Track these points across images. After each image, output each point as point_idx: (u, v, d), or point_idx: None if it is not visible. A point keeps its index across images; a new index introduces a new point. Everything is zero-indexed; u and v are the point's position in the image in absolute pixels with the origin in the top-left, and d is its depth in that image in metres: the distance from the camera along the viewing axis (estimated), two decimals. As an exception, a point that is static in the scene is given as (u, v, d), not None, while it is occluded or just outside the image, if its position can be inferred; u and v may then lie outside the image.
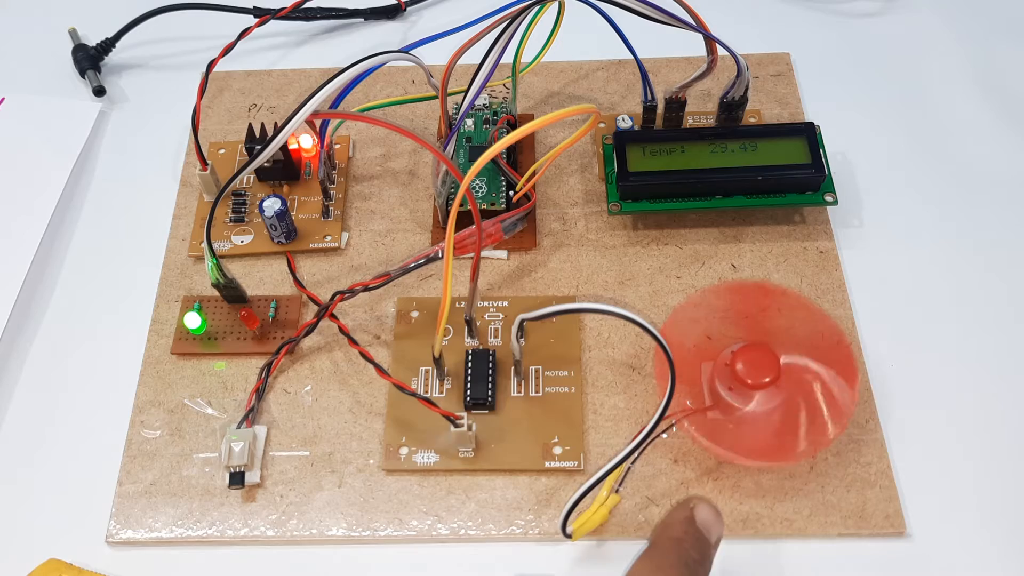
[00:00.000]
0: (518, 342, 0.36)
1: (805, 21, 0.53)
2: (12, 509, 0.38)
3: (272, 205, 0.42)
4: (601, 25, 0.42)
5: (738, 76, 0.43)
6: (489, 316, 0.42)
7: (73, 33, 0.53)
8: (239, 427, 0.38)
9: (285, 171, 0.45)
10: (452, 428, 0.37)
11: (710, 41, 0.41)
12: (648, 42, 0.44)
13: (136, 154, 0.49)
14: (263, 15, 0.49)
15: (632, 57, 0.43)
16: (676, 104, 0.45)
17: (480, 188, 0.44)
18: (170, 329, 0.42)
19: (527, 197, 0.43)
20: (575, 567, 0.36)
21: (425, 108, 0.49)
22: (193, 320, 0.41)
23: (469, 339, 0.41)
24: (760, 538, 0.36)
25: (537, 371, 0.40)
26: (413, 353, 0.41)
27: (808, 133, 0.43)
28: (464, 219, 0.41)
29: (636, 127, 0.46)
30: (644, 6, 0.39)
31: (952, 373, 0.40)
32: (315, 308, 0.42)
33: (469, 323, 0.40)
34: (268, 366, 0.40)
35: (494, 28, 0.39)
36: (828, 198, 0.43)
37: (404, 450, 0.38)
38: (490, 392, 0.39)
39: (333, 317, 0.40)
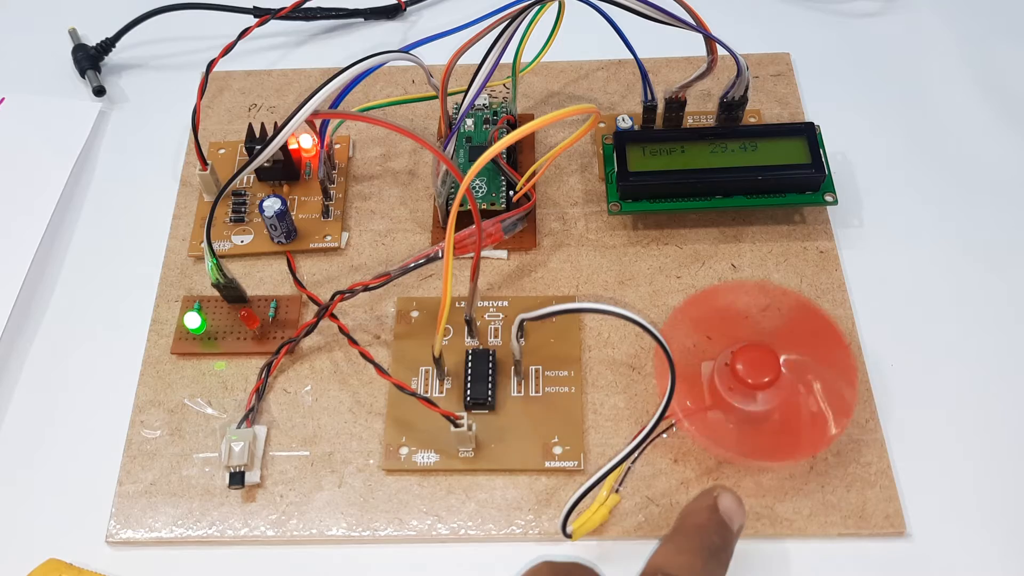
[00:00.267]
0: (518, 342, 0.36)
1: (805, 21, 0.53)
2: (12, 509, 0.38)
3: (272, 205, 0.42)
4: (601, 25, 0.42)
5: (738, 76, 0.43)
6: (489, 316, 0.42)
7: (73, 33, 0.53)
8: (239, 427, 0.38)
9: (285, 171, 0.45)
10: (452, 428, 0.36)
11: (710, 41, 0.41)
12: (648, 42, 0.44)
13: (136, 154, 0.49)
14: (263, 15, 0.49)
15: (632, 57, 0.43)
16: (676, 104, 0.45)
17: (480, 188, 0.44)
18: (170, 329, 0.42)
19: (527, 197, 0.43)
20: (575, 567, 0.36)
21: (425, 108, 0.49)
22: (193, 320, 0.41)
23: (469, 339, 0.41)
24: (760, 538, 0.36)
25: (537, 371, 0.40)
26: (413, 353, 0.41)
27: (808, 133, 0.43)
28: (464, 219, 0.41)
29: (636, 127, 0.46)
30: (644, 6, 0.39)
31: (952, 373, 0.40)
32: (315, 308, 0.42)
33: (469, 323, 0.40)
34: (268, 366, 0.40)
35: (494, 28, 0.39)
36: (828, 198, 0.43)
37: (404, 450, 0.38)
38: (490, 392, 0.39)
39: (333, 317, 0.40)
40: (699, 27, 0.40)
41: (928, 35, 0.52)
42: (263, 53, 0.53)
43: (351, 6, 0.53)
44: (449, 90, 0.41)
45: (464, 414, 0.37)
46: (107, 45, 0.52)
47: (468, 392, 0.39)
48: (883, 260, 0.43)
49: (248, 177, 0.46)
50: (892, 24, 0.52)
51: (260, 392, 0.40)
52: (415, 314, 0.42)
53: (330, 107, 0.39)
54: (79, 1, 0.55)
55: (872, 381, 0.39)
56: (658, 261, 0.43)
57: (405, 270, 0.40)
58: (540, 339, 0.41)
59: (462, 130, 0.46)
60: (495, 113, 0.46)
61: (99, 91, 0.51)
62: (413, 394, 0.37)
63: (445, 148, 0.40)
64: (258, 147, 0.37)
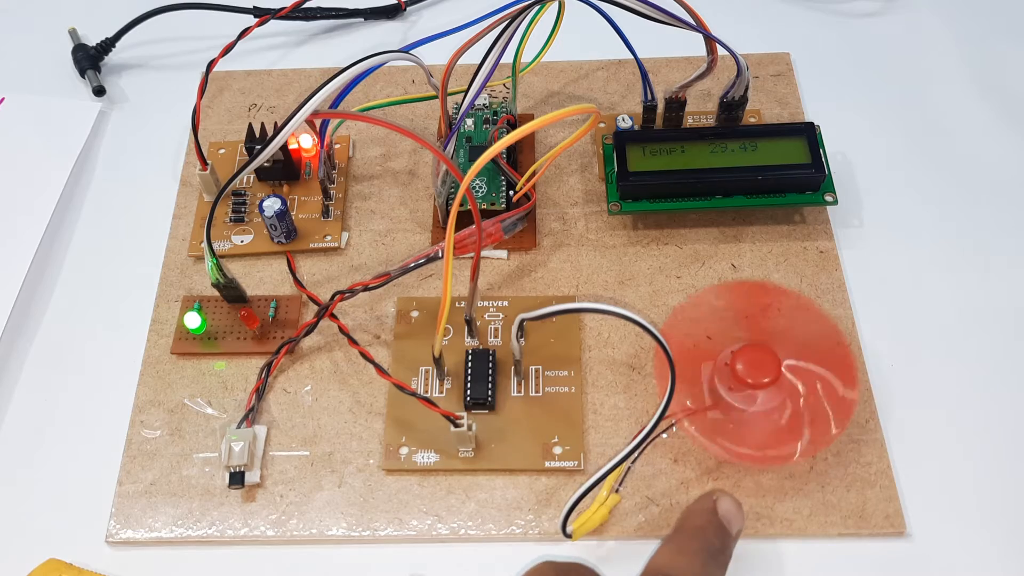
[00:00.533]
0: (518, 342, 0.36)
1: (805, 21, 0.53)
2: (12, 509, 0.38)
3: (272, 205, 0.42)
4: (601, 25, 0.42)
5: (738, 76, 0.43)
6: (489, 316, 0.42)
7: (73, 33, 0.53)
8: (239, 427, 0.38)
9: (285, 171, 0.45)
10: (452, 428, 0.36)
11: (710, 41, 0.41)
12: (648, 42, 0.44)
13: (136, 154, 0.49)
14: (263, 15, 0.49)
15: (632, 57, 0.43)
16: (676, 104, 0.45)
17: (480, 188, 0.44)
18: (170, 329, 0.42)
19: (527, 197, 0.43)
20: (575, 567, 0.36)
21: (425, 108, 0.49)
22: (193, 320, 0.41)
23: (469, 339, 0.41)
24: (760, 538, 0.36)
25: (537, 371, 0.40)
26: (413, 353, 0.41)
27: (808, 133, 0.43)
28: (464, 219, 0.41)
29: (636, 127, 0.46)
30: (644, 6, 0.39)
31: (952, 373, 0.40)
32: (315, 308, 0.42)
33: (469, 323, 0.40)
34: (268, 366, 0.40)
35: (494, 28, 0.39)
36: (828, 198, 0.43)
37: (404, 450, 0.38)
38: (490, 392, 0.39)
39: (333, 317, 0.40)
40: (699, 27, 0.40)
41: (928, 35, 0.52)
42: (263, 53, 0.53)
43: (351, 6, 0.53)
44: (449, 90, 0.41)
45: (464, 414, 0.37)
46: (107, 45, 0.52)
47: (468, 392, 0.39)
48: (883, 260, 0.43)
49: (248, 177, 0.46)
50: (892, 24, 0.52)
51: (260, 392, 0.40)
52: (415, 314, 0.42)
53: (330, 107, 0.39)
54: (79, 1, 0.55)
55: (872, 381, 0.39)
56: (658, 261, 0.43)
57: (405, 270, 0.40)
58: (540, 339, 0.41)
59: (462, 130, 0.46)
60: (495, 113, 0.46)
61: (99, 91, 0.51)
62: (413, 394, 0.37)
63: (445, 148, 0.40)
64: (258, 147, 0.37)
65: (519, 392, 0.39)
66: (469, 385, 0.39)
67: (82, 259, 0.45)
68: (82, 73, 0.51)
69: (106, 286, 0.44)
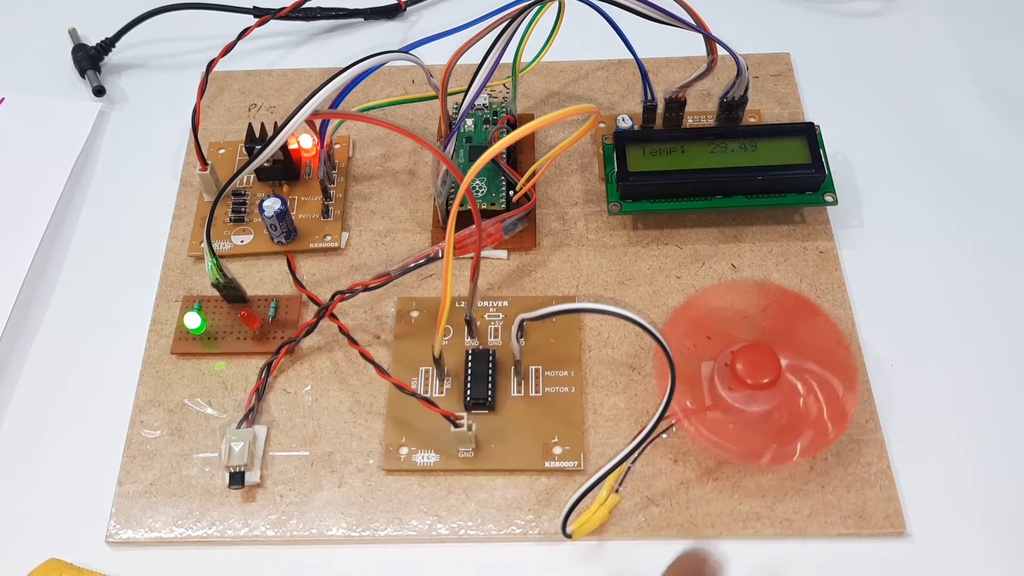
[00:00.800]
0: (518, 342, 0.36)
1: (805, 21, 0.53)
2: (12, 509, 0.38)
3: (272, 205, 0.42)
4: (601, 25, 0.42)
5: (738, 76, 0.43)
6: (489, 316, 0.42)
7: (73, 33, 0.53)
8: (239, 427, 0.38)
9: (285, 171, 0.45)
10: (452, 428, 0.36)
11: (710, 41, 0.41)
12: (648, 42, 0.44)
13: (136, 154, 0.49)
14: (263, 15, 0.49)
15: (632, 57, 0.43)
16: (676, 104, 0.45)
17: (480, 188, 0.44)
18: (170, 329, 0.42)
19: (527, 197, 0.43)
20: (575, 567, 0.36)
21: (425, 108, 0.49)
22: (193, 320, 0.41)
23: (469, 339, 0.41)
24: (760, 538, 0.36)
25: (537, 371, 0.40)
26: (413, 353, 0.41)
27: (808, 133, 0.43)
28: (464, 219, 0.41)
29: (636, 127, 0.46)
30: (644, 6, 0.39)
31: (952, 373, 0.40)
32: (315, 308, 0.42)
33: (469, 323, 0.40)
34: (268, 366, 0.40)
35: (494, 28, 0.39)
36: (828, 198, 0.43)
37: (404, 450, 0.38)
38: (490, 392, 0.39)
39: (333, 317, 0.40)
40: (699, 27, 0.40)
41: (928, 35, 0.52)
42: (263, 53, 0.53)
43: (351, 6, 0.53)
44: (449, 90, 0.41)
45: (464, 414, 0.37)
46: (107, 45, 0.52)
47: (468, 392, 0.39)
48: (883, 260, 0.43)
49: (248, 177, 0.46)
50: (892, 24, 0.52)
51: (260, 392, 0.40)
52: (415, 314, 0.42)
53: (330, 107, 0.39)
54: (79, 1, 0.55)
55: (872, 381, 0.39)
56: (658, 261, 0.43)
57: (405, 270, 0.40)
58: (540, 339, 0.41)
59: (462, 130, 0.46)
60: (495, 113, 0.46)
61: (99, 91, 0.51)
62: (413, 394, 0.37)
63: (445, 148, 0.40)
64: (258, 147, 0.37)
65: (519, 392, 0.39)
66: (469, 385, 0.39)
67: (82, 259, 0.45)
68: (82, 73, 0.51)
69: (106, 286, 0.44)
